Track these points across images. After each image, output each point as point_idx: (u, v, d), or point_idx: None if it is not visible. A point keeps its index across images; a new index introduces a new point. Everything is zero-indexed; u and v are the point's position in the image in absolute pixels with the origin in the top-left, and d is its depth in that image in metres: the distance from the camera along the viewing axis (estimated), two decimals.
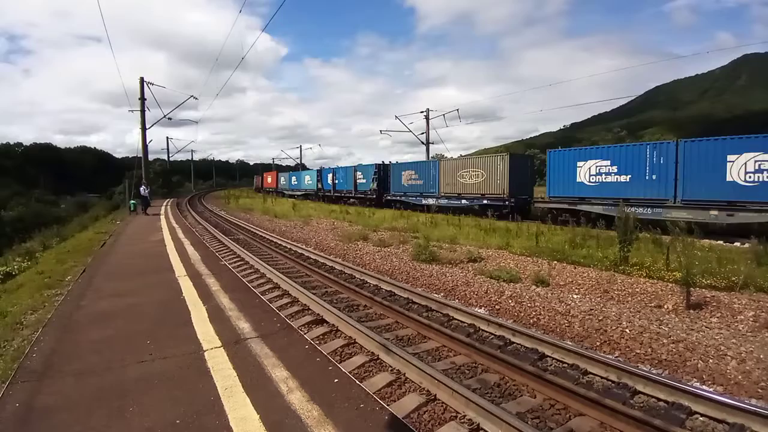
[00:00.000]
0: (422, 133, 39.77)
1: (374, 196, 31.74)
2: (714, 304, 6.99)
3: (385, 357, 5.13)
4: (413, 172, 28.68)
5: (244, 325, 5.60)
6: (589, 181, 18.00)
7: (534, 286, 8.45)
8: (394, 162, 31.79)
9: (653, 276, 8.58)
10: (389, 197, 30.67)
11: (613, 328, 6.29)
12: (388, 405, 3.78)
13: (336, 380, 4.04)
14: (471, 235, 14.72)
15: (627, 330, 6.18)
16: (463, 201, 24.06)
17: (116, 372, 4.27)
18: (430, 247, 11.63)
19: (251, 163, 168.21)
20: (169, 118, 33.78)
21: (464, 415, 3.93)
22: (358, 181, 34.70)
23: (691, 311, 6.78)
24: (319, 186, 42.93)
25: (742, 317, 6.42)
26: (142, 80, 30.88)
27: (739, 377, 4.81)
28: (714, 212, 14.35)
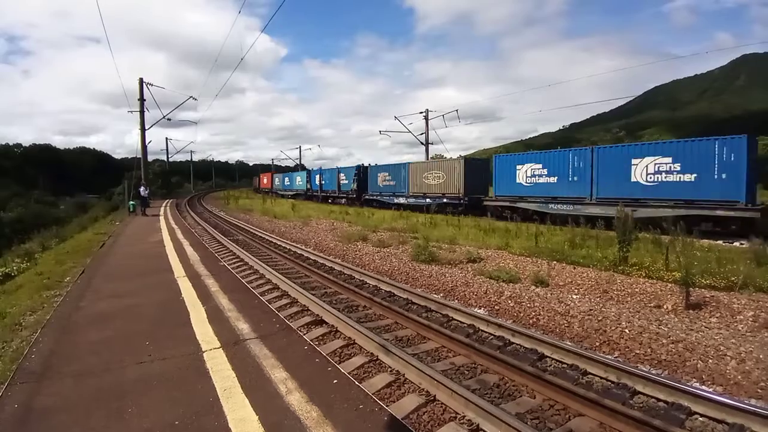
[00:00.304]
0: (421, 134, 39.84)
1: (354, 196, 35.39)
2: (713, 304, 6.99)
3: (385, 358, 5.12)
4: (387, 174, 31.86)
5: (243, 326, 5.59)
6: (526, 182, 20.74)
7: (533, 287, 8.45)
8: (372, 165, 34.36)
9: (652, 276, 8.58)
10: (367, 197, 33.82)
11: (613, 328, 6.29)
12: (387, 406, 3.78)
13: (335, 381, 4.03)
14: (470, 236, 14.72)
15: (626, 330, 6.18)
16: (427, 200, 26.69)
17: (115, 373, 4.26)
18: (429, 247, 11.63)
19: (251, 164, 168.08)
20: (169, 119, 33.81)
21: (464, 416, 3.92)
22: (341, 182, 38.04)
23: (691, 311, 6.78)
24: (308, 186, 46.41)
25: (742, 317, 6.42)
26: (141, 81, 30.90)
27: (739, 377, 4.81)
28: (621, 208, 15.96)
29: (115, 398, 3.74)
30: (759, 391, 4.53)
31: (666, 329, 6.11)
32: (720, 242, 12.70)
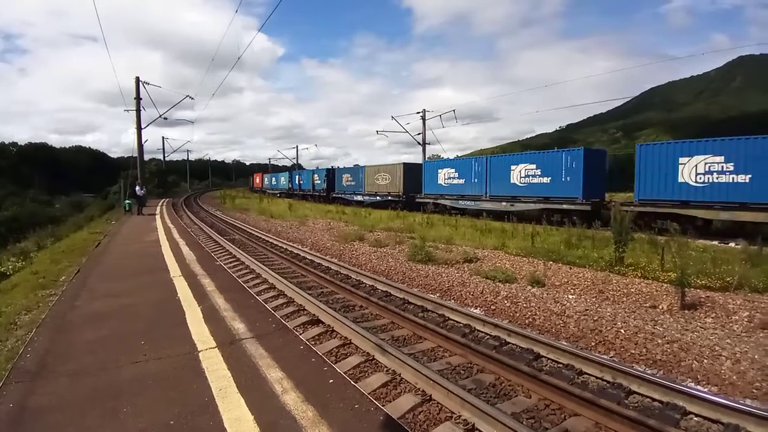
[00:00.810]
0: (419, 134, 39.86)
1: (324, 194, 40.79)
2: (709, 304, 7.02)
3: (381, 357, 5.13)
4: (349, 176, 37.16)
5: (239, 326, 5.57)
6: (444, 183, 25.58)
7: (529, 287, 8.46)
8: (339, 167, 39.04)
9: (648, 276, 8.61)
10: (334, 195, 38.94)
11: (608, 328, 6.31)
12: (383, 405, 3.78)
13: (331, 381, 4.02)
14: (467, 236, 14.75)
15: (622, 330, 6.20)
16: (378, 197, 31.88)
17: (110, 372, 4.24)
18: (426, 247, 11.64)
19: (247, 163, 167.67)
20: (165, 118, 33.83)
21: (459, 416, 3.93)
22: (315, 182, 44.15)
23: (686, 311, 6.80)
24: (290, 186, 53.06)
25: (737, 318, 6.45)
26: (137, 80, 30.77)
27: (734, 377, 4.83)
28: (504, 203, 21.57)
29: (111, 398, 3.72)
30: (754, 391, 4.55)
31: (661, 329, 6.13)
32: (715, 243, 12.75)
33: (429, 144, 40.26)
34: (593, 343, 5.97)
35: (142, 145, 32.80)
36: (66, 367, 4.37)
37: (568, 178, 18.64)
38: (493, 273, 9.23)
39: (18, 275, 11.16)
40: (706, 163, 14.79)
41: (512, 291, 8.19)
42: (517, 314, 7.19)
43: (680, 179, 15.38)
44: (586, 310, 7.04)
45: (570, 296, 7.87)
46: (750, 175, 13.86)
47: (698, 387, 4.65)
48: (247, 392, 3.78)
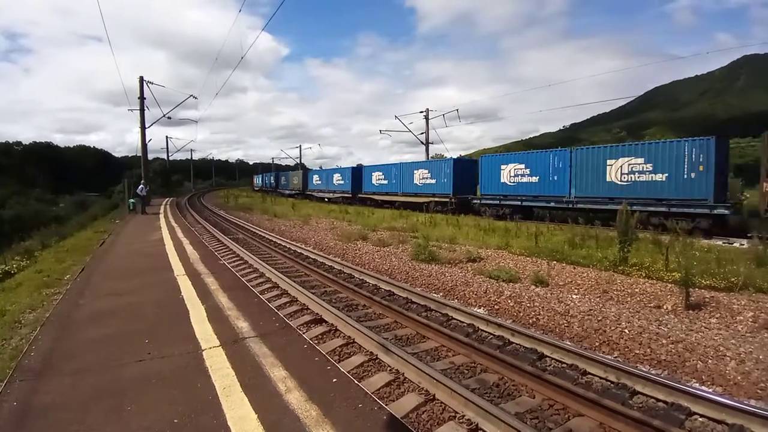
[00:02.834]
0: (422, 133, 39.78)
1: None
2: (713, 304, 6.99)
3: (384, 357, 5.12)
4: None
5: (242, 325, 5.58)
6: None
7: (533, 286, 8.44)
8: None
9: (652, 276, 8.58)
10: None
11: (612, 328, 6.29)
12: (386, 405, 3.77)
13: (335, 380, 4.02)
14: (470, 235, 14.73)
15: (626, 330, 6.18)
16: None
17: (114, 371, 4.25)
18: (429, 246, 11.62)
19: (251, 163, 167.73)
20: (169, 118, 33.81)
21: (463, 415, 3.92)
22: (292, 181, 53.13)
23: (691, 312, 6.77)
24: (275, 185, 61.21)
25: (742, 318, 6.41)
26: (141, 79, 30.84)
27: (739, 378, 4.80)
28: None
29: (114, 396, 3.73)
30: (759, 391, 4.52)
31: (666, 329, 6.10)
32: (719, 242, 12.70)
33: (432, 143, 40.28)
34: (597, 343, 5.95)
35: (146, 145, 32.88)
36: (70, 366, 4.39)
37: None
38: (497, 272, 9.21)
39: (22, 274, 11.21)
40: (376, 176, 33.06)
41: (516, 291, 8.17)
42: (521, 314, 7.18)
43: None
44: (590, 310, 7.02)
45: (574, 296, 7.84)
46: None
47: (703, 387, 4.63)
48: (251, 391, 3.79)
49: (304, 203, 37.54)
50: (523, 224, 16.69)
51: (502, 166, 22.26)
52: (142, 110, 31.33)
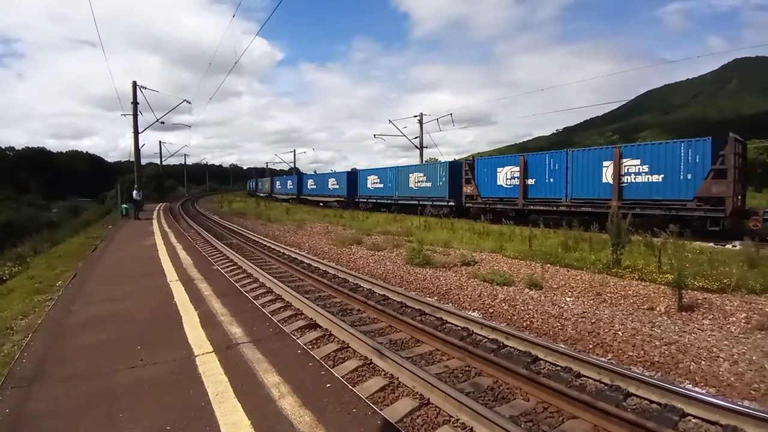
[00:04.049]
0: (416, 138, 39.92)
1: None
2: (706, 306, 7.02)
3: (379, 361, 5.11)
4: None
5: (235, 330, 5.56)
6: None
7: (527, 289, 8.46)
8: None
9: (645, 278, 8.61)
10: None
11: (606, 330, 6.30)
12: (380, 410, 3.76)
13: (328, 385, 4.01)
14: (465, 239, 14.75)
15: (619, 332, 6.20)
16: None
17: (106, 378, 4.22)
18: (423, 250, 11.62)
19: (245, 168, 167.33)
20: (162, 122, 33.69)
21: (457, 419, 3.91)
22: (287, 185, 54.88)
23: (683, 313, 6.80)
24: (270, 189, 62.45)
25: (734, 319, 6.45)
26: (134, 84, 30.75)
27: (732, 379, 4.82)
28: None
29: (107, 403, 3.70)
30: (752, 392, 4.54)
31: (659, 331, 6.13)
32: (711, 244, 12.77)
33: (426, 147, 40.40)
34: (591, 346, 5.96)
35: (139, 150, 32.74)
36: (62, 373, 4.35)
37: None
38: (491, 276, 9.22)
39: (14, 280, 11.13)
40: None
41: (510, 294, 8.19)
42: (515, 317, 7.18)
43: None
44: (584, 312, 7.04)
45: (567, 299, 7.87)
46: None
47: (696, 389, 4.64)
48: (244, 397, 3.77)
49: (298, 207, 37.46)
50: (517, 227, 16.72)
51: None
52: (135, 116, 31.21)
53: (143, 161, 43.84)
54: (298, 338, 5.64)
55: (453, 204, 25.18)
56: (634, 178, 16.55)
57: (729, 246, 12.46)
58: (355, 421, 3.39)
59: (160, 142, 67.16)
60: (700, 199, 14.54)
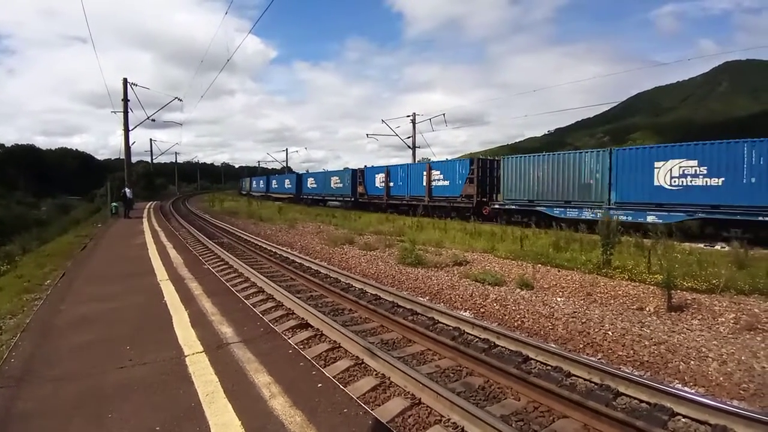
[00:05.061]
0: (409, 137, 39.96)
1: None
2: (695, 306, 7.09)
3: (370, 361, 5.10)
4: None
5: (226, 330, 5.52)
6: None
7: (518, 289, 8.49)
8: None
9: (635, 279, 8.68)
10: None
11: (596, 330, 6.35)
12: (372, 409, 3.76)
13: (320, 385, 4.00)
14: (457, 239, 14.79)
15: (609, 332, 6.24)
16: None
17: (96, 378, 4.18)
18: (415, 250, 11.63)
19: (237, 166, 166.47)
20: (153, 120, 33.44)
21: (449, 419, 3.92)
22: (272, 184, 57.29)
23: (673, 313, 6.86)
24: (266, 188, 60.99)
25: (723, 319, 6.51)
26: (125, 81, 30.49)
27: (721, 379, 4.87)
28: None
29: (96, 403, 3.67)
30: (741, 392, 4.59)
31: (648, 331, 6.17)
32: (701, 245, 12.89)
33: (419, 147, 40.42)
34: (581, 345, 6.00)
35: (130, 147, 32.48)
36: (51, 373, 4.30)
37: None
38: (483, 276, 9.25)
39: (2, 279, 10.99)
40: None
41: (501, 294, 8.22)
42: (506, 317, 7.21)
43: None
44: (575, 312, 7.08)
45: (558, 299, 7.90)
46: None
47: (685, 388, 4.68)
48: (235, 397, 3.75)
49: (290, 207, 37.04)
50: (508, 227, 16.78)
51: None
52: (125, 113, 30.96)
53: (134, 159, 43.53)
54: (289, 338, 5.62)
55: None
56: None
57: (718, 247, 12.58)
58: (346, 421, 3.38)
59: (150, 139, 66.89)
60: None
